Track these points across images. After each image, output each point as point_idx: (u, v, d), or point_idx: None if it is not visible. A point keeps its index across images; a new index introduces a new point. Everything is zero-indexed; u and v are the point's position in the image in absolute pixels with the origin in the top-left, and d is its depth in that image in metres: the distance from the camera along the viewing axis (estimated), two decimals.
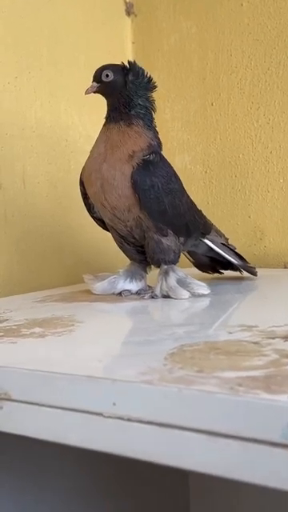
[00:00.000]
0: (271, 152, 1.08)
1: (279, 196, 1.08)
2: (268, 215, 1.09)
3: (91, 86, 0.76)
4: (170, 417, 0.36)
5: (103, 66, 0.77)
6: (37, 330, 0.56)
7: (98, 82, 0.76)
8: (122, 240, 0.78)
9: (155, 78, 0.76)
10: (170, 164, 0.76)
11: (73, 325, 0.57)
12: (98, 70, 0.77)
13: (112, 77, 0.75)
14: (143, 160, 0.72)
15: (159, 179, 0.72)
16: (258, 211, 1.10)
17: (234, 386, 0.35)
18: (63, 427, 0.40)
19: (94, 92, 0.77)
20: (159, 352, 0.44)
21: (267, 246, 1.09)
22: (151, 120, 0.76)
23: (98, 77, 0.76)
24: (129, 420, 0.37)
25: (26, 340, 0.51)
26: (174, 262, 0.75)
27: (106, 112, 0.76)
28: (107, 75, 0.75)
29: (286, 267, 1.07)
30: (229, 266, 0.88)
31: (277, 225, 1.09)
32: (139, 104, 0.75)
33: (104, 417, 0.38)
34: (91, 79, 0.76)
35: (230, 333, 0.50)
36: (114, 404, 0.37)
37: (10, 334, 0.54)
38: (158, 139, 0.76)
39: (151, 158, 0.72)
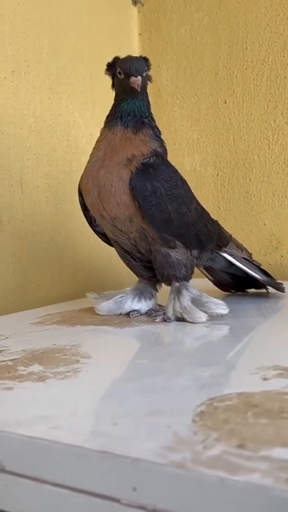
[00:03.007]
0: None
1: None
2: (285, 222, 1.01)
3: (137, 81, 0.61)
4: None
5: (137, 57, 0.65)
6: (36, 368, 0.48)
7: (141, 75, 0.62)
8: (128, 255, 0.70)
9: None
10: (174, 167, 0.67)
11: (78, 361, 0.50)
12: (138, 58, 0.64)
13: (147, 72, 0.65)
14: (143, 164, 0.63)
15: (162, 184, 0.64)
16: (273, 218, 1.02)
17: None
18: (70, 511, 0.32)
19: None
20: (185, 409, 0.37)
21: (284, 255, 1.02)
22: (159, 131, 0.68)
23: (144, 68, 0.63)
24: (154, 511, 0.29)
25: (22, 385, 0.44)
26: (187, 278, 0.67)
27: (109, 110, 0.67)
28: (145, 69, 0.64)
29: None
30: (252, 283, 0.80)
31: None
32: (150, 110, 0.67)
33: (122, 504, 0.30)
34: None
35: (265, 379, 0.43)
36: (135, 489, 0.30)
37: (4, 373, 0.47)
38: (165, 148, 0.68)
39: (151, 160, 0.64)
